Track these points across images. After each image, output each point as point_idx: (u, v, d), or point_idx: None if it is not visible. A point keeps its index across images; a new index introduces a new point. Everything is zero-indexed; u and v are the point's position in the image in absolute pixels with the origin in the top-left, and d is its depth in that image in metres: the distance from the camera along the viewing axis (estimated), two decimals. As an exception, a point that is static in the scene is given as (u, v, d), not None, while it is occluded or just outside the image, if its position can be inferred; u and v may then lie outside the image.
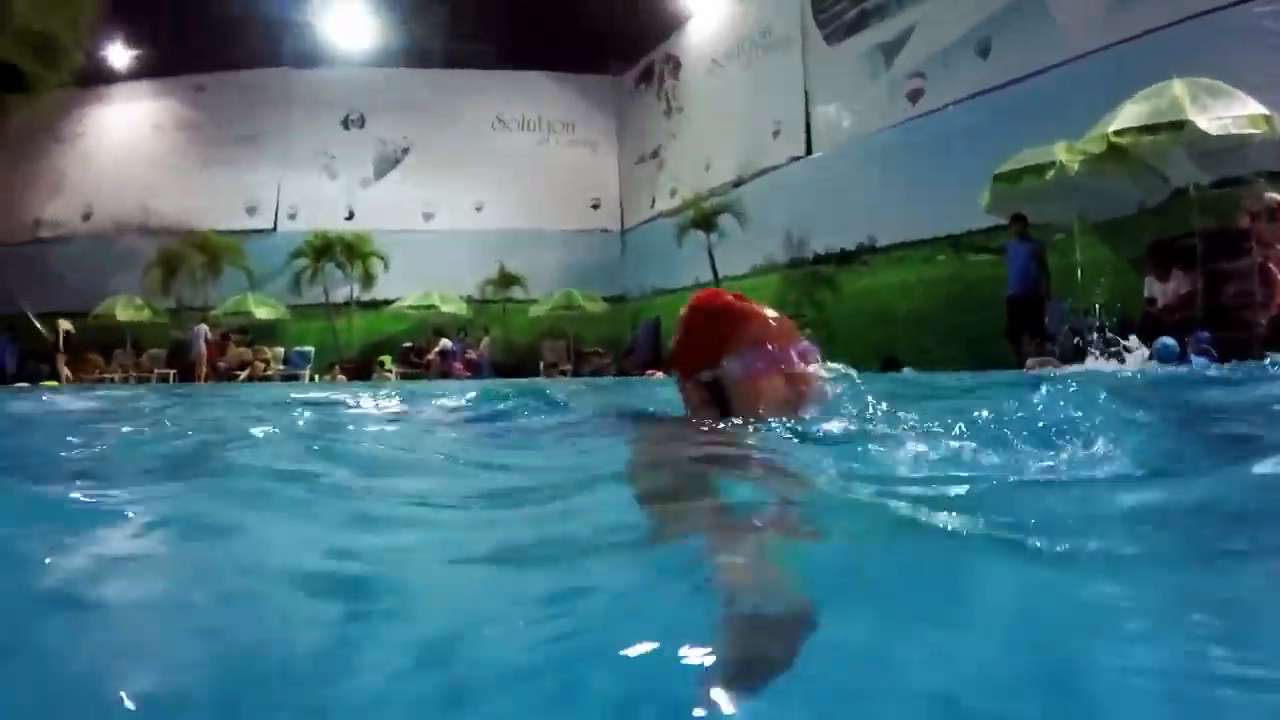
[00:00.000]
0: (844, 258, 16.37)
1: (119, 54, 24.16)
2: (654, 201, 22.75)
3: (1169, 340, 8.43)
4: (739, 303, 2.08)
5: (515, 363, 21.76)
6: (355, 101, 24.49)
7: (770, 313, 2.06)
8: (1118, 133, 9.31)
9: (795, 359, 1.95)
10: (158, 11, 22.35)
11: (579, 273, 23.20)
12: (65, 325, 18.83)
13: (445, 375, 19.69)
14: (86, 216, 23.62)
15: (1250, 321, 8.94)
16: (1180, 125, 8.81)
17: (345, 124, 24.49)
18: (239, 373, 19.16)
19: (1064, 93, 11.66)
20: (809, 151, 17.38)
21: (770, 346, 1.95)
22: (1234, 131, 8.64)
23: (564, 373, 20.58)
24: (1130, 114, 9.33)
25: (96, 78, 22.75)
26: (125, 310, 20.90)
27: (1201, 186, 9.89)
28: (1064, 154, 10.01)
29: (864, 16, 15.85)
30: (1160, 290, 10.07)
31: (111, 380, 18.99)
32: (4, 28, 13.12)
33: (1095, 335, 10.78)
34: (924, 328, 13.96)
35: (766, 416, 1.87)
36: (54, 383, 16.27)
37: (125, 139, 24.02)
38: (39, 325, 21.29)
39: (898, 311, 14.79)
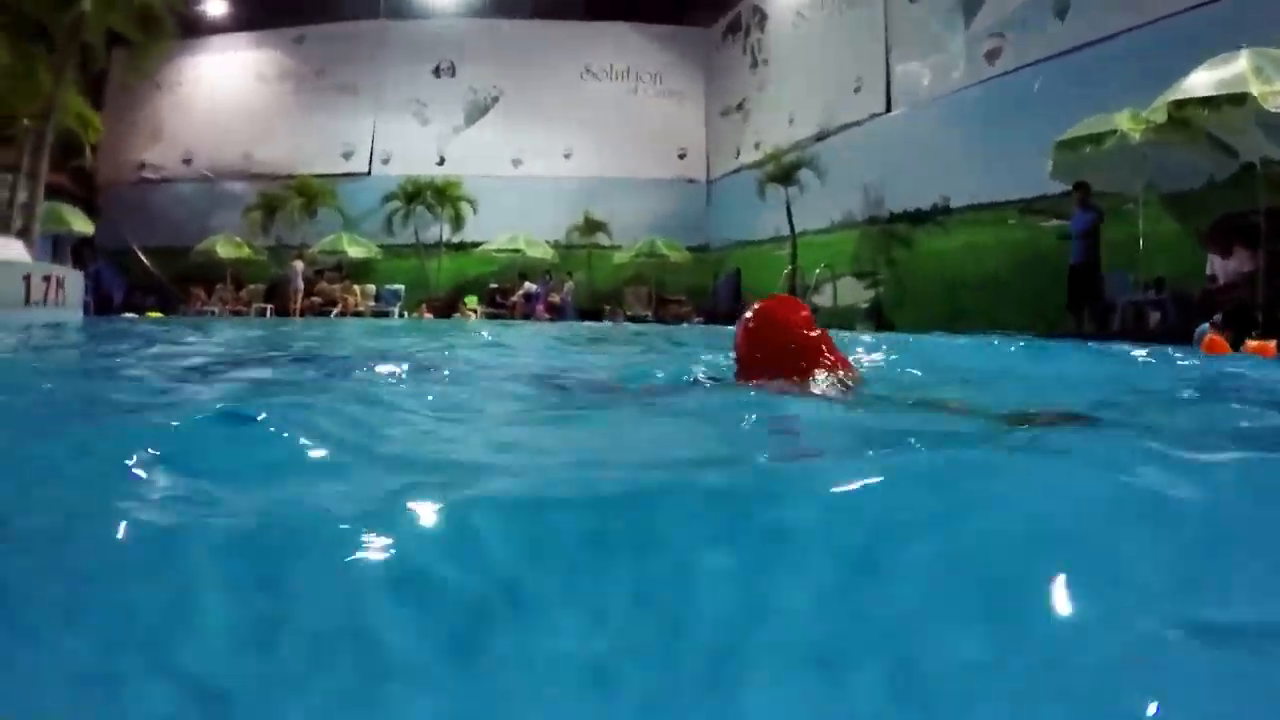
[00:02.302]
0: (918, 217, 16.21)
1: (219, 6, 25.02)
2: (739, 153, 22.72)
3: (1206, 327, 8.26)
4: None
5: (597, 307, 22.28)
6: (446, 51, 24.97)
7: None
8: (1178, 103, 9.05)
9: None
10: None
11: (663, 222, 23.53)
12: None
13: (528, 317, 20.28)
14: (187, 161, 24.77)
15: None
16: (1241, 99, 8.51)
17: (436, 72, 25.01)
18: (331, 308, 20.20)
19: (1141, 57, 11.26)
20: (889, 108, 17.16)
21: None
22: (1293, 109, 8.28)
23: (630, 319, 21.02)
24: (1195, 83, 9.01)
25: (197, 29, 23.55)
26: (225, 248, 22.01)
27: (1271, 162, 9.52)
28: (1127, 123, 9.77)
29: (946, -30, 15.46)
30: (1221, 267, 9.78)
31: (212, 313, 20.26)
32: (114, 6, 14.64)
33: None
34: (992, 292, 13.83)
35: None
36: (158, 313, 17.48)
37: (227, 88, 25.08)
38: (145, 260, 22.79)
39: (968, 274, 14.64)
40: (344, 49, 24.72)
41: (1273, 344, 6.91)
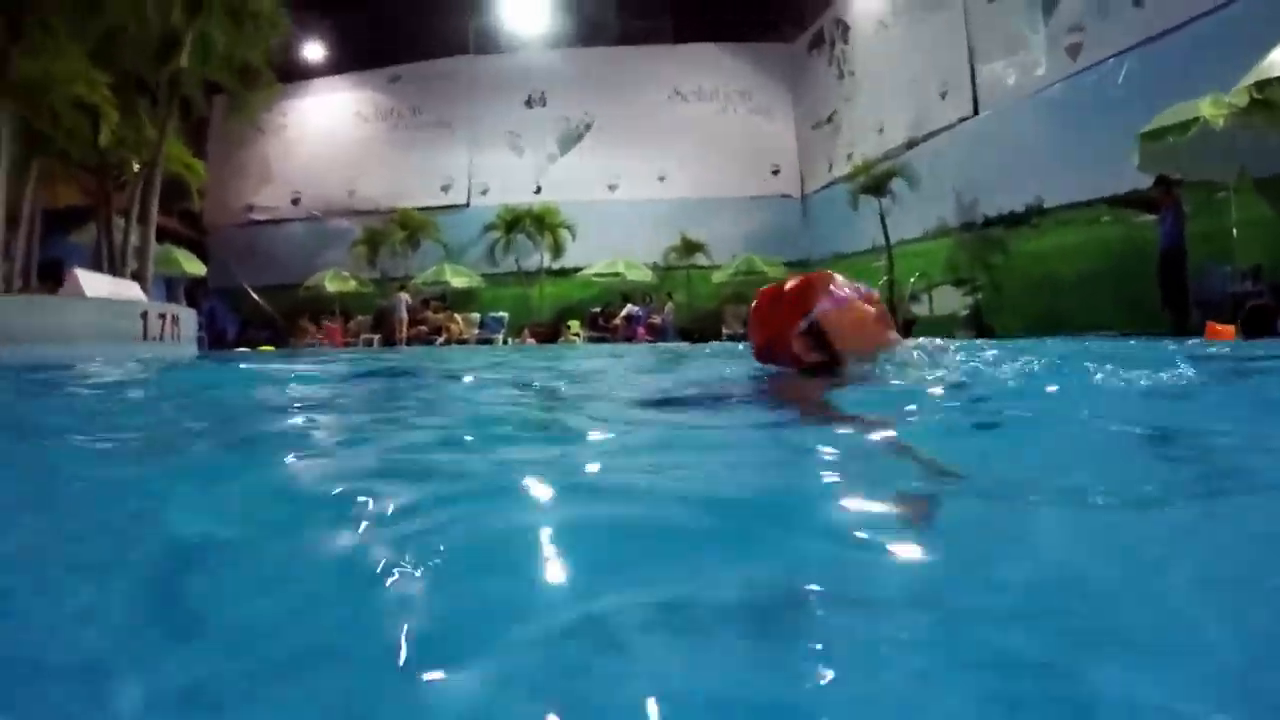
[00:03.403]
0: (1013, 220, 15.83)
1: (316, 51, 26.57)
2: (831, 166, 22.63)
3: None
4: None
5: (698, 327, 22.41)
6: (537, 81, 25.79)
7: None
8: (1260, 84, 8.69)
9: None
10: (350, 9, 24.58)
11: (760, 238, 23.65)
12: None
13: (630, 339, 20.57)
14: (295, 201, 26.18)
15: None
16: (1323, 75, 8.13)
17: (529, 103, 25.82)
18: (436, 337, 20.97)
19: (1225, 39, 10.82)
20: (976, 111, 16.86)
21: (846, 288, 2.21)
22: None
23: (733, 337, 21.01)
24: (1276, 61, 8.64)
25: (296, 74, 24.94)
26: (334, 282, 23.15)
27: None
28: (1208, 109, 9.38)
29: (1021, -33, 15.12)
30: (1318, 252, 9.31)
31: (314, 344, 21.30)
32: (208, 59, 15.59)
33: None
34: (1091, 292, 13.38)
35: (867, 348, 2.15)
36: (270, 347, 18.50)
37: (329, 128, 26.44)
38: (256, 297, 24.21)
39: (1065, 275, 14.21)
40: (437, 85, 25.80)
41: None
